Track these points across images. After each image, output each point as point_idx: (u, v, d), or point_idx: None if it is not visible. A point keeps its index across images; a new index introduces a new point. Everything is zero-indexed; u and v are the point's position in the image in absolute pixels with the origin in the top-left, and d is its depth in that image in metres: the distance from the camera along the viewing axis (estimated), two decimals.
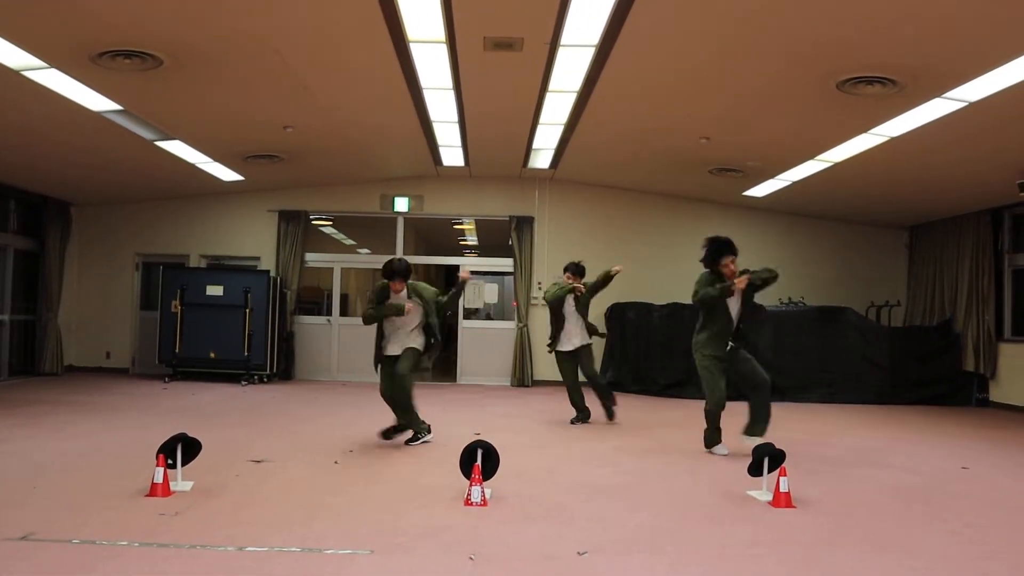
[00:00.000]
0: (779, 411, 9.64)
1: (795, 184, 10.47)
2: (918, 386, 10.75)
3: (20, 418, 7.50)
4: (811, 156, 9.12)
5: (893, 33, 5.54)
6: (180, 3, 5.52)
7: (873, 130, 7.72)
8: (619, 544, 3.85)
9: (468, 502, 4.49)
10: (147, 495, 4.48)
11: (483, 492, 4.53)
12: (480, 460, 4.64)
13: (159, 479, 4.52)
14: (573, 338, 8.12)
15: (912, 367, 10.79)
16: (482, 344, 12.45)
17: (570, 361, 8.18)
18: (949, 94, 6.50)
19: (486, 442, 4.79)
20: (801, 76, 6.54)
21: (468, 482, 4.56)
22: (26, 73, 6.55)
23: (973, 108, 6.66)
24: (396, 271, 6.54)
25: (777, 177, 10.34)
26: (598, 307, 11.92)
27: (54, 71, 6.59)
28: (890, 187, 10.11)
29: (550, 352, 8.36)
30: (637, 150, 9.92)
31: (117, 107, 7.65)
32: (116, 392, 9.83)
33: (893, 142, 7.95)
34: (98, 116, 7.81)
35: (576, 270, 8.20)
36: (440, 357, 17.06)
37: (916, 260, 12.35)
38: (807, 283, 12.41)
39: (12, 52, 6.09)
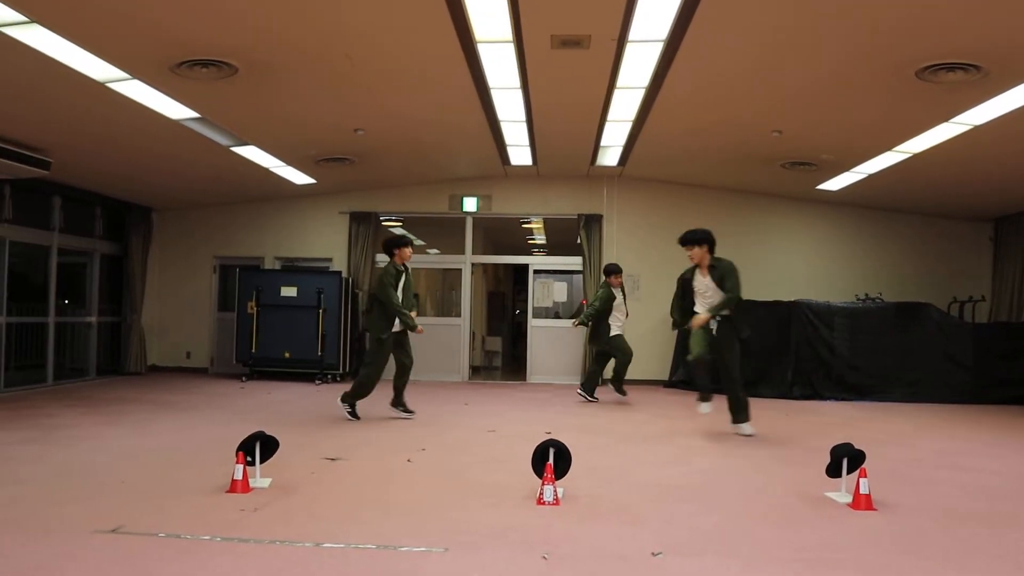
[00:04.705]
0: (857, 410, 9.43)
1: (871, 177, 10.18)
2: (1005, 385, 10.32)
3: (108, 415, 7.80)
4: (888, 147, 8.85)
5: (977, 16, 5.33)
6: (252, 12, 5.67)
7: (955, 119, 7.45)
8: (692, 545, 3.80)
9: (540, 501, 4.48)
10: (227, 491, 4.60)
11: (555, 491, 4.52)
12: (552, 459, 4.63)
13: (239, 476, 4.63)
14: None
15: (998, 365, 10.37)
16: (552, 343, 12.44)
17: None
18: None
19: (558, 441, 4.77)
20: (877, 64, 6.35)
21: (540, 481, 4.56)
22: (110, 85, 6.82)
23: None
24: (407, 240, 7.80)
25: (852, 170, 10.07)
26: (665, 304, 11.81)
27: (136, 82, 6.84)
28: (973, 177, 9.74)
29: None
30: (707, 145, 9.78)
31: (195, 115, 7.90)
32: (196, 391, 10.15)
33: (976, 131, 7.66)
34: (177, 124, 8.08)
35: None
36: (509, 355, 17.22)
37: (1002, 253, 11.86)
38: (884, 279, 12.08)
39: (98, 65, 6.35)
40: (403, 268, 7.71)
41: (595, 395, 9.92)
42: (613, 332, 9.76)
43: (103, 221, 11.79)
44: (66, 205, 10.82)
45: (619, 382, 9.90)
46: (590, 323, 9.83)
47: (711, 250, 7.20)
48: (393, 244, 7.70)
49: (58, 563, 3.35)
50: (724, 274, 7.03)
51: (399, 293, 7.59)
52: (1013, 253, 11.53)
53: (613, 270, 9.85)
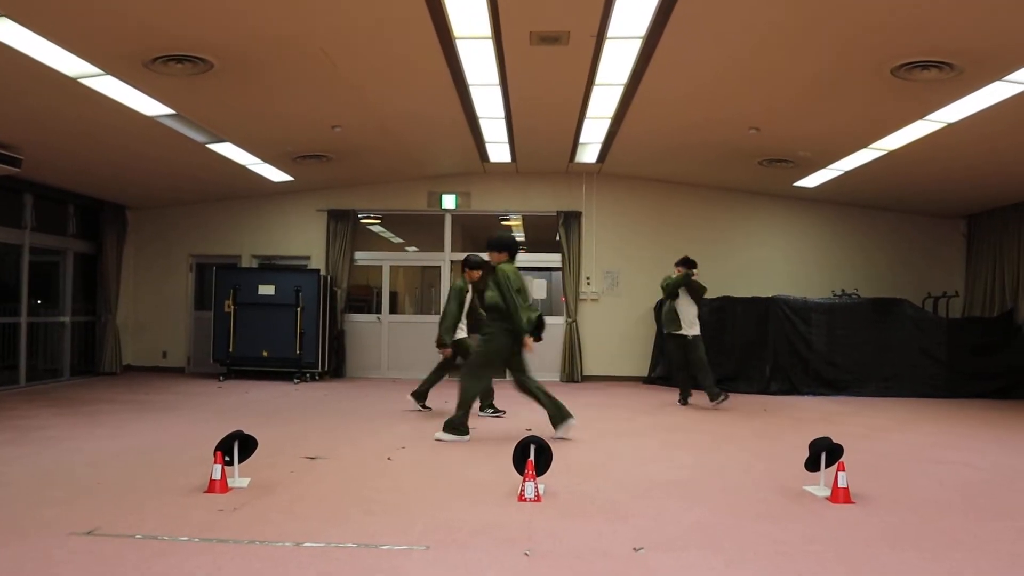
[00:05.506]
0: (834, 405, 9.51)
1: (848, 174, 10.26)
2: (978, 379, 10.46)
3: (83, 416, 7.70)
4: (864, 145, 8.92)
5: (951, 15, 5.39)
6: (228, 6, 5.61)
7: (929, 116, 7.53)
8: (675, 540, 3.81)
9: (522, 498, 4.48)
10: (205, 491, 4.55)
11: (536, 488, 4.52)
12: (533, 456, 4.63)
13: (217, 476, 4.59)
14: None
15: (972, 360, 10.51)
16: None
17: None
18: (1010, 77, 6.31)
19: (539, 437, 4.77)
20: (854, 62, 6.40)
21: (521, 478, 4.55)
22: (83, 80, 6.71)
23: None
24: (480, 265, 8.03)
25: (829, 167, 10.15)
26: (648, 301, 11.86)
27: (109, 78, 6.74)
28: (948, 175, 9.85)
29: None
30: (685, 142, 9.81)
31: (170, 111, 7.80)
32: (173, 391, 10.04)
33: (951, 128, 7.74)
34: (152, 120, 7.97)
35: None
36: None
37: (975, 249, 12.02)
38: (860, 274, 12.19)
39: (70, 60, 6.25)
40: (469, 287, 8.16)
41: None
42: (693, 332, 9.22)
43: (76, 219, 11.62)
44: (38, 203, 10.65)
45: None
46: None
47: (512, 258, 7.28)
48: (468, 264, 8.19)
49: (34, 566, 3.30)
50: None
51: (465, 309, 8.09)
52: (985, 249, 11.69)
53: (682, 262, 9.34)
